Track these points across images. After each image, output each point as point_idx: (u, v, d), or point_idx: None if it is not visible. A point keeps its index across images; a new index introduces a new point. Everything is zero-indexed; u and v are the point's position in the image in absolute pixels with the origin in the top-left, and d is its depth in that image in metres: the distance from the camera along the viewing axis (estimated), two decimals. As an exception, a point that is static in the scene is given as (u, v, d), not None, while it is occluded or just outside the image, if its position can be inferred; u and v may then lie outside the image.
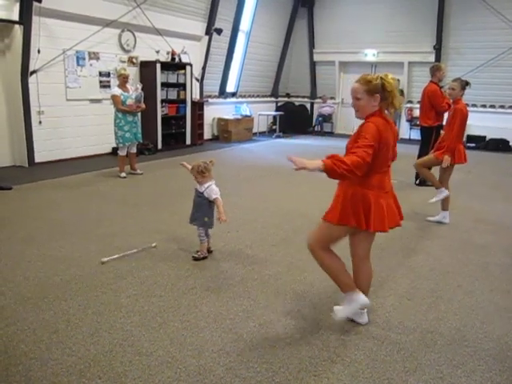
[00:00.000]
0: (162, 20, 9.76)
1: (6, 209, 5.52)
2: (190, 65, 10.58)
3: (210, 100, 11.95)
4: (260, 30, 12.97)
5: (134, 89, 7.38)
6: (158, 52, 10.05)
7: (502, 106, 11.99)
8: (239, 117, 12.63)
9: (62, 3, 7.82)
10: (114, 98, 7.18)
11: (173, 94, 10.29)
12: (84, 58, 8.60)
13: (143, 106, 7.45)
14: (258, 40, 13.04)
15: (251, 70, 13.32)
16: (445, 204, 5.40)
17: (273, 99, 15.02)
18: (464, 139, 6.01)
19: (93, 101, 8.90)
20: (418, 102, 7.61)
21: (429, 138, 6.95)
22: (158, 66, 9.64)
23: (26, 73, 7.61)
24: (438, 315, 3.25)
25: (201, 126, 11.36)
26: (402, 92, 12.36)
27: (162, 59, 10.03)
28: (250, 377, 2.50)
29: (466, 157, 5.31)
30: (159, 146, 9.94)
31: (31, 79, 7.75)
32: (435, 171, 5.54)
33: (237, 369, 2.56)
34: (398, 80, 2.80)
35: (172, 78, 10.18)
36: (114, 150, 8.50)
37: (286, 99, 15.28)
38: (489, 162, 10.04)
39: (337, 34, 13.75)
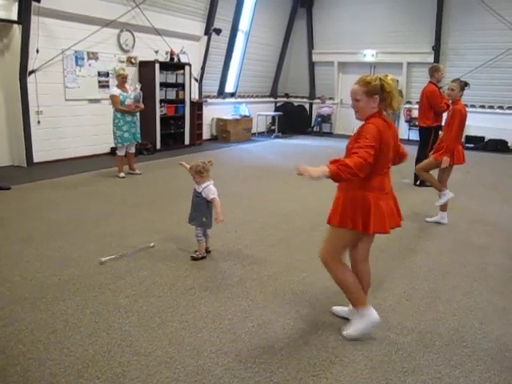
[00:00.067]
0: (160, 20, 9.76)
1: (4, 209, 5.51)
2: (189, 65, 10.58)
3: (208, 100, 11.95)
4: (259, 30, 12.98)
5: (133, 89, 7.37)
6: (156, 52, 10.04)
7: (500, 107, 12.00)
8: (238, 117, 12.64)
9: (60, 3, 7.81)
10: (112, 97, 7.18)
11: (172, 94, 10.28)
12: (83, 58, 8.59)
13: (142, 106, 7.45)
14: (257, 40, 13.04)
15: (250, 70, 13.32)
16: (444, 205, 5.40)
17: (272, 99, 15.03)
18: (463, 140, 6.01)
19: (91, 101, 8.90)
20: (417, 103, 7.61)
21: (427, 139, 6.95)
22: (157, 66, 9.63)
23: (24, 73, 7.60)
24: (437, 316, 3.25)
25: (200, 126, 11.35)
26: (400, 92, 12.36)
27: (161, 59, 10.02)
28: (248, 377, 2.50)
29: (465, 157, 5.31)
30: (158, 146, 9.94)
31: (30, 79, 7.75)
32: (434, 171, 5.54)
33: (235, 369, 2.56)
34: (397, 81, 2.78)
35: (171, 78, 10.17)
36: (113, 150, 8.50)
37: (284, 99, 15.29)
38: (487, 163, 10.05)
39: (336, 35, 13.76)
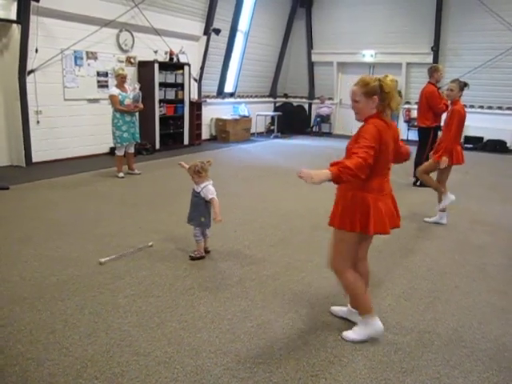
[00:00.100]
0: (160, 20, 9.75)
1: (3, 208, 5.50)
2: (188, 65, 10.57)
3: (208, 100, 11.95)
4: (258, 30, 12.98)
5: (132, 89, 7.37)
6: (156, 52, 10.04)
7: (499, 107, 12.02)
8: (237, 117, 12.63)
9: (59, 3, 7.81)
10: (111, 97, 7.17)
11: (171, 94, 10.28)
12: (82, 58, 8.58)
13: (141, 105, 7.44)
14: (256, 40, 13.05)
15: (249, 70, 13.32)
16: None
17: (271, 99, 15.03)
18: (462, 140, 6.01)
19: (90, 101, 8.89)
20: (416, 103, 7.61)
21: (426, 139, 6.96)
22: (156, 65, 9.63)
23: (23, 72, 7.60)
24: (436, 316, 3.25)
25: (199, 126, 11.35)
26: (399, 93, 12.36)
27: (160, 59, 10.02)
28: (247, 377, 2.50)
29: (464, 158, 5.32)
30: (157, 146, 9.93)
31: (29, 79, 7.74)
32: (434, 173, 5.54)
33: (234, 369, 2.56)
34: (397, 81, 2.77)
35: (170, 78, 10.17)
36: (112, 150, 8.50)
37: (284, 100, 15.29)
38: (486, 163, 10.06)
39: (335, 35, 13.77)
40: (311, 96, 14.86)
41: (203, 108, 11.46)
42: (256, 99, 14.18)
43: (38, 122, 8.01)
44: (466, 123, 5.39)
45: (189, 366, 2.58)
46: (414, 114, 10.97)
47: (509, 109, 11.88)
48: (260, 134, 13.69)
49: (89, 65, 8.73)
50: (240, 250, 4.37)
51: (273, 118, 14.14)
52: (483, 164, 9.86)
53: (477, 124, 11.52)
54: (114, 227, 4.90)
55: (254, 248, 4.45)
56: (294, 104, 15.09)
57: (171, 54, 10.26)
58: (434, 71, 6.94)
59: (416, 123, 7.87)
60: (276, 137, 13.44)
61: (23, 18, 7.32)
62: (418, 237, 4.98)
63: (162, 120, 10.01)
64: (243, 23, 12.51)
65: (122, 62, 9.36)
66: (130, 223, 5.06)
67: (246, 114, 12.87)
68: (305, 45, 14.49)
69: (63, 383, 2.40)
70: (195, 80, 11.29)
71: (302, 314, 3.22)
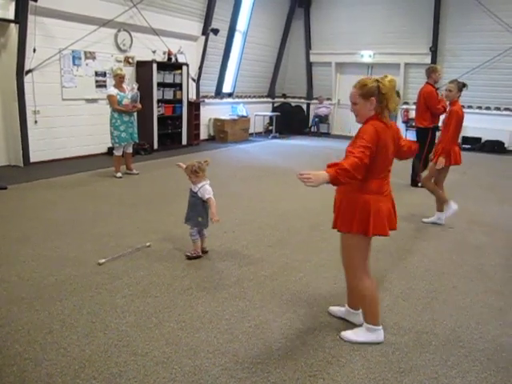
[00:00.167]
0: (158, 20, 9.75)
1: (1, 208, 5.49)
2: (187, 65, 10.57)
3: (206, 100, 11.95)
4: (257, 30, 12.98)
5: (130, 89, 7.36)
6: (154, 52, 10.04)
7: (497, 108, 12.04)
8: (235, 117, 12.63)
9: (58, 2, 7.80)
10: (109, 97, 7.16)
11: (169, 94, 10.27)
12: (80, 58, 8.57)
13: (139, 105, 7.44)
14: (254, 40, 13.05)
15: (248, 70, 13.33)
16: (440, 205, 5.42)
17: (269, 100, 15.03)
18: (460, 141, 6.03)
19: (89, 100, 8.88)
20: (414, 104, 7.62)
21: (424, 140, 6.96)
22: (155, 65, 9.62)
23: (21, 72, 7.58)
24: (433, 316, 3.26)
25: (197, 126, 11.34)
26: (398, 93, 12.38)
27: (159, 59, 10.01)
28: (245, 377, 2.50)
29: (461, 158, 5.32)
30: (155, 146, 9.93)
31: (27, 78, 7.72)
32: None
33: (232, 369, 2.56)
34: (395, 81, 2.76)
35: (168, 78, 10.16)
36: (110, 150, 8.48)
37: (282, 100, 15.30)
38: (484, 164, 10.08)
39: (333, 35, 13.78)
40: (309, 96, 14.87)
41: (201, 108, 11.46)
42: (254, 99, 14.18)
43: (35, 121, 8.00)
44: (464, 124, 5.40)
45: (187, 366, 2.58)
46: (412, 114, 10.98)
47: (507, 109, 11.91)
48: (258, 134, 13.70)
49: (87, 65, 8.72)
50: (238, 250, 4.37)
51: (271, 118, 14.14)
52: (481, 164, 9.88)
53: (475, 124, 11.54)
54: (112, 227, 4.89)
55: (252, 248, 4.45)
56: (293, 104, 15.10)
57: (169, 54, 10.25)
58: (432, 72, 6.94)
59: (414, 124, 7.87)
60: (274, 137, 13.44)
61: (21, 17, 7.31)
62: (416, 237, 4.99)
63: (160, 120, 10.01)
64: (241, 23, 12.51)
65: (120, 61, 9.35)
66: (128, 223, 5.05)
67: (245, 114, 12.87)
68: (303, 45, 14.50)
69: (61, 383, 2.40)
70: (193, 80, 11.28)
71: (300, 314, 3.22)
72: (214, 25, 11.14)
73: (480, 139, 12.05)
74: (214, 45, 11.59)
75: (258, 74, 13.94)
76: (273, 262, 4.13)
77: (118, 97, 7.12)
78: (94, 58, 8.82)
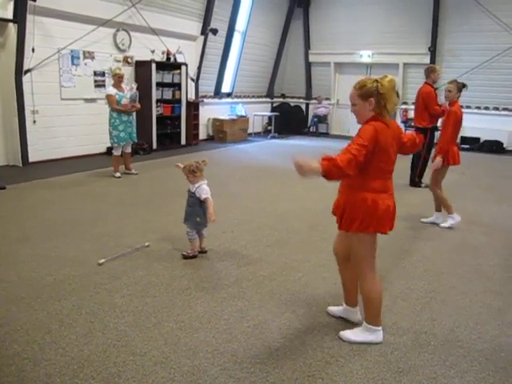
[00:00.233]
0: (157, 20, 9.75)
1: (-1, 208, 5.49)
2: (186, 65, 10.57)
3: (205, 100, 11.94)
4: (256, 30, 12.98)
5: (129, 88, 7.35)
6: (153, 52, 10.03)
7: (496, 108, 12.05)
8: (234, 117, 12.63)
9: (56, 2, 7.79)
10: (108, 97, 7.16)
11: (168, 94, 10.27)
12: (79, 58, 8.57)
13: (138, 105, 7.43)
14: (253, 40, 13.05)
15: (247, 70, 13.32)
16: (438, 205, 5.42)
17: (268, 100, 15.03)
18: (458, 141, 6.03)
19: (87, 100, 8.87)
20: (413, 104, 7.63)
21: (423, 140, 6.96)
22: (153, 65, 9.62)
23: (20, 72, 7.57)
24: (432, 316, 3.26)
25: (196, 126, 11.35)
26: (397, 94, 12.38)
27: (157, 59, 10.01)
28: (244, 377, 2.50)
29: (460, 158, 5.32)
30: (154, 145, 9.92)
31: (25, 78, 7.72)
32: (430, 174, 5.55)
33: (231, 369, 2.56)
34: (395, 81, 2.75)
35: (167, 78, 10.16)
36: (109, 150, 8.47)
37: (281, 100, 15.30)
38: (483, 164, 10.09)
39: (332, 35, 13.78)
40: (308, 96, 14.87)
41: (200, 108, 11.46)
42: (253, 99, 14.18)
43: (34, 121, 7.99)
44: (463, 124, 5.40)
45: (185, 366, 2.58)
46: (411, 114, 10.99)
47: (505, 109, 11.92)
48: (257, 134, 13.69)
49: (86, 64, 8.72)
50: (237, 250, 4.37)
51: (270, 118, 14.14)
52: (480, 165, 9.89)
53: (473, 125, 11.54)
54: (111, 227, 4.89)
55: (250, 248, 4.45)
56: (292, 104, 15.11)
57: (168, 53, 10.25)
58: (430, 72, 6.94)
59: (413, 124, 7.87)
60: (273, 137, 13.44)
61: (20, 17, 7.30)
62: (415, 237, 4.99)
63: (159, 120, 10.00)
64: (241, 23, 12.51)
65: (119, 61, 9.35)
66: (127, 223, 5.05)
67: (243, 114, 12.87)
68: (302, 45, 14.50)
69: (59, 383, 2.39)
70: (192, 80, 11.28)
71: (298, 314, 3.22)
72: (213, 25, 11.14)
73: (479, 139, 12.06)
74: (213, 45, 11.59)
75: (256, 73, 13.94)
76: (272, 262, 4.13)
77: (117, 96, 7.11)
78: (92, 58, 8.82)
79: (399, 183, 7.22)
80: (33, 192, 6.31)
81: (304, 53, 14.51)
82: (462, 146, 11.39)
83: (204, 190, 3.99)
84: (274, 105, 15.16)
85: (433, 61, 12.01)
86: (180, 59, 10.51)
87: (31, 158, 8.01)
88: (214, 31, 11.08)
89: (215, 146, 11.41)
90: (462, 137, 11.57)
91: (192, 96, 11.28)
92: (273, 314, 3.20)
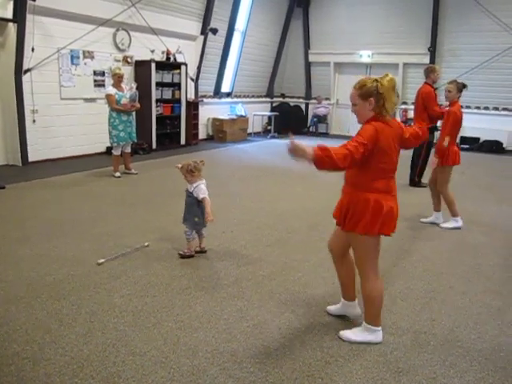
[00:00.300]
0: (157, 19, 9.74)
1: (-1, 208, 5.49)
2: (185, 64, 10.56)
3: (204, 100, 11.93)
4: (255, 29, 12.98)
5: (129, 88, 7.35)
6: (152, 51, 10.02)
7: (495, 108, 12.05)
8: (234, 117, 12.62)
9: (56, 2, 7.78)
10: (108, 97, 7.16)
11: (167, 94, 10.27)
12: (78, 57, 8.56)
13: (138, 105, 7.43)
14: (253, 40, 13.05)
15: (246, 70, 13.32)
16: (438, 205, 5.42)
17: (268, 99, 15.03)
18: (458, 141, 6.03)
19: (87, 100, 8.87)
20: (413, 104, 7.63)
21: (423, 140, 6.96)
22: (153, 65, 9.61)
23: (19, 71, 7.57)
24: (431, 316, 3.26)
25: (196, 125, 11.34)
26: (396, 94, 12.38)
27: (157, 59, 10.01)
28: (243, 377, 2.50)
29: (460, 158, 5.31)
30: (154, 145, 9.92)
31: (25, 78, 7.71)
32: (429, 173, 5.55)
33: (230, 369, 2.56)
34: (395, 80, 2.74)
35: (167, 78, 10.16)
36: (109, 150, 8.47)
37: (281, 99, 15.30)
38: (482, 164, 10.09)
39: (332, 35, 13.79)
40: (308, 96, 14.87)
41: (200, 108, 11.46)
42: (253, 99, 14.18)
43: (34, 121, 7.99)
44: (463, 124, 5.40)
45: (185, 365, 2.57)
46: (411, 114, 11.01)
47: (505, 109, 11.93)
48: (257, 134, 13.69)
49: (85, 64, 8.71)
50: (236, 250, 4.37)
51: (270, 117, 14.14)
52: (479, 164, 9.89)
53: (473, 125, 11.54)
54: (111, 227, 4.89)
55: (250, 248, 4.45)
56: (291, 104, 15.11)
57: (168, 53, 10.25)
58: (430, 72, 6.93)
59: (413, 124, 7.88)
60: (273, 137, 13.44)
61: (19, 16, 7.29)
62: (415, 237, 4.99)
63: (158, 120, 9.99)
64: (240, 23, 12.51)
65: (118, 61, 9.34)
66: (127, 223, 5.05)
67: (243, 113, 12.86)
68: (302, 45, 14.50)
69: (59, 383, 2.39)
70: (192, 80, 11.27)
71: (298, 313, 3.22)
72: (213, 24, 11.14)
73: (478, 139, 12.06)
74: (213, 44, 11.59)
75: (256, 73, 13.94)
76: (271, 261, 4.13)
77: (117, 96, 7.11)
78: (92, 58, 8.81)
79: (399, 183, 7.16)
80: (32, 191, 6.31)
81: (304, 52, 14.51)
82: (462, 145, 11.39)
83: (201, 189, 3.99)
84: (274, 104, 15.16)
85: (432, 61, 12.01)
86: (180, 59, 10.50)
87: (31, 158, 8.01)
88: (214, 31, 11.08)
89: (215, 145, 11.40)
90: (461, 137, 11.56)
91: (192, 96, 11.28)
92: (272, 313, 3.20)
